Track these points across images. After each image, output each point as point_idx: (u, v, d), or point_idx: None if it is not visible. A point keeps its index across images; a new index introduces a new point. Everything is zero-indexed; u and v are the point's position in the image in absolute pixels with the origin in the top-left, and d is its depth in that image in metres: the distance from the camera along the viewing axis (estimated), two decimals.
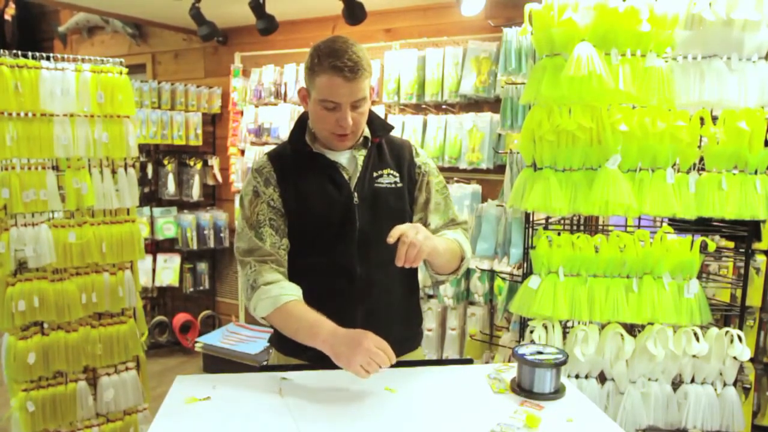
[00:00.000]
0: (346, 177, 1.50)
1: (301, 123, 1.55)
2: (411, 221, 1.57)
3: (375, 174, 1.51)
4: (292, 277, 1.53)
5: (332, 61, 1.34)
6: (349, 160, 1.52)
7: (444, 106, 3.35)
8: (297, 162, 1.51)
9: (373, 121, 1.56)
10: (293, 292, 1.41)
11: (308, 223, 1.48)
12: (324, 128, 1.45)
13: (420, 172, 1.59)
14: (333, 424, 1.17)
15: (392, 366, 1.47)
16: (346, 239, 1.47)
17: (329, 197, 1.47)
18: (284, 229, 1.48)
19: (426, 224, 1.57)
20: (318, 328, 1.32)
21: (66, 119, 2.38)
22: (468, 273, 3.13)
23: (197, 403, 1.24)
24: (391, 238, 1.29)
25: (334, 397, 1.28)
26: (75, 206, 2.42)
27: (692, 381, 1.85)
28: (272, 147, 1.62)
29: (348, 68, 1.34)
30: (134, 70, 3.98)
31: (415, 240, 1.29)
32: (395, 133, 1.67)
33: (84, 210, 2.47)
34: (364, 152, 1.53)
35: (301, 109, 3.89)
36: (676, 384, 1.87)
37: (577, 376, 1.87)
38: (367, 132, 1.55)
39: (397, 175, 1.54)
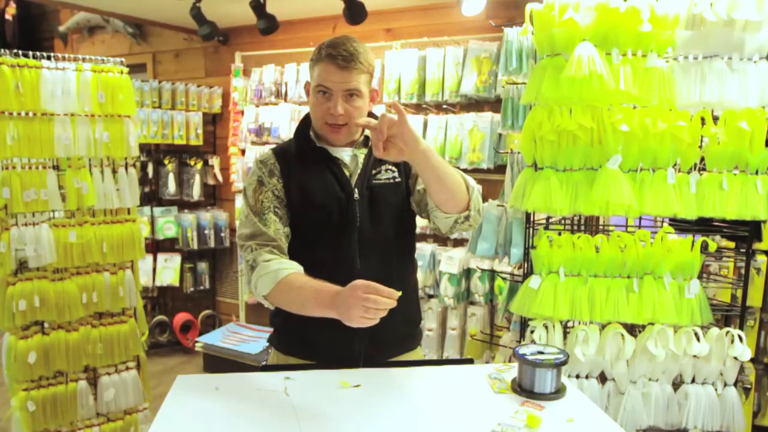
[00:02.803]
0: (347, 173, 1.52)
1: (306, 120, 1.58)
2: (411, 216, 1.60)
3: (374, 171, 1.54)
4: None
5: (329, 50, 1.42)
6: (351, 158, 1.55)
7: (444, 106, 3.34)
8: (300, 156, 1.54)
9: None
10: (293, 266, 1.39)
11: (310, 216, 1.50)
12: (318, 117, 1.48)
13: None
14: (335, 423, 1.17)
15: (392, 366, 1.48)
16: (346, 234, 1.48)
17: (330, 191, 1.49)
18: (287, 218, 1.50)
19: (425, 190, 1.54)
20: (322, 297, 1.28)
21: (67, 119, 2.38)
22: (468, 273, 3.13)
23: (199, 403, 1.24)
24: (359, 123, 1.32)
25: (337, 397, 1.28)
26: (75, 206, 2.42)
27: (693, 381, 1.85)
28: (272, 146, 1.64)
29: (342, 57, 1.40)
30: (135, 69, 3.97)
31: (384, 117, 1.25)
32: None
33: (84, 209, 2.47)
34: (364, 151, 1.56)
35: (302, 109, 3.92)
36: (677, 384, 1.87)
37: (577, 376, 1.87)
38: (367, 131, 1.56)
39: (395, 170, 1.56)
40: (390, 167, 1.55)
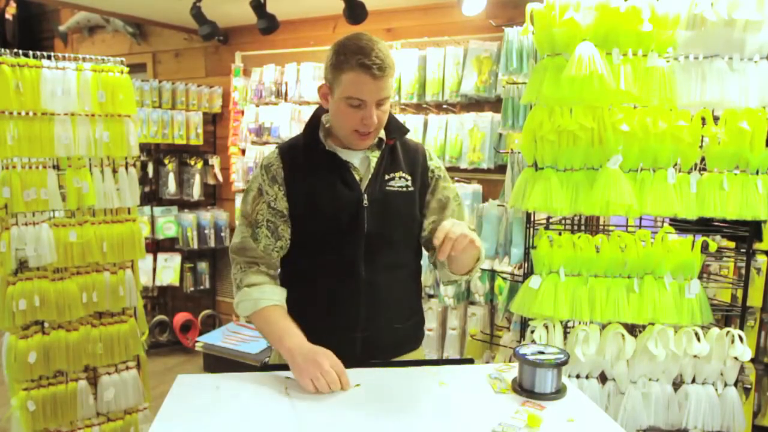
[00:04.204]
0: (357, 178, 1.48)
1: (315, 119, 1.53)
2: (420, 225, 1.56)
3: (387, 177, 1.49)
4: (297, 276, 1.53)
5: (360, 58, 1.33)
6: (362, 161, 1.50)
7: (445, 106, 3.34)
8: (308, 158, 1.49)
9: (390, 122, 1.52)
10: (273, 297, 1.45)
11: (315, 222, 1.47)
12: (347, 126, 1.42)
13: (433, 176, 1.57)
14: (335, 423, 1.17)
15: (393, 366, 1.48)
16: (352, 240, 1.46)
17: (338, 197, 1.45)
18: (282, 230, 1.48)
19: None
20: (286, 337, 1.37)
21: (67, 118, 2.37)
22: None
23: (198, 403, 1.24)
24: (437, 240, 1.26)
25: (337, 397, 1.28)
26: (76, 205, 2.42)
27: (693, 381, 1.85)
28: (279, 144, 1.60)
29: (376, 66, 1.33)
30: (135, 69, 3.97)
31: (462, 233, 1.27)
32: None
33: (85, 209, 2.47)
34: (377, 154, 1.51)
35: (303, 109, 3.90)
36: (677, 384, 1.87)
37: (578, 376, 1.87)
38: (381, 133, 1.52)
39: (410, 178, 1.52)
40: (404, 175, 1.51)
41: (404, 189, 1.50)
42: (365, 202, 1.45)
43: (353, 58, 1.33)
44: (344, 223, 1.45)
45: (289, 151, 1.52)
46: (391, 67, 1.38)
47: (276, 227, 1.48)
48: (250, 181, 1.52)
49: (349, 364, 1.44)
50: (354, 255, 1.46)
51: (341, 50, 1.37)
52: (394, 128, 1.54)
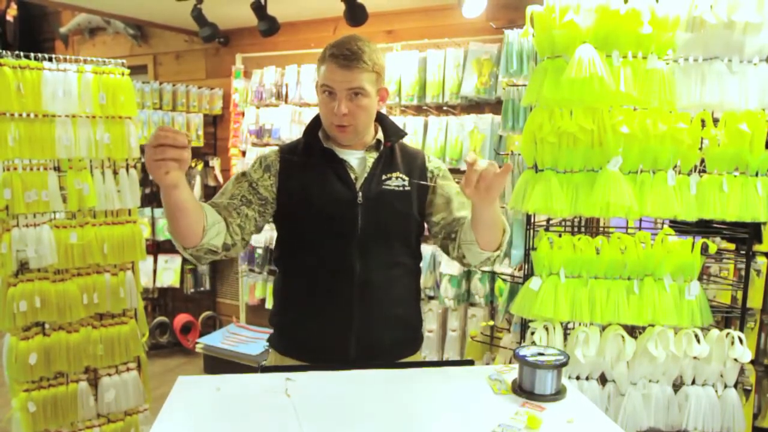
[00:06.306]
0: (353, 176, 1.51)
1: (317, 119, 1.58)
2: (417, 225, 1.58)
3: (384, 177, 1.52)
4: (293, 274, 1.55)
5: (333, 50, 1.42)
6: (360, 161, 1.54)
7: (445, 108, 3.35)
8: (306, 155, 1.54)
9: (388, 126, 1.59)
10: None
11: (309, 217, 1.49)
12: (325, 117, 1.49)
13: (432, 176, 1.60)
14: (336, 424, 1.17)
15: (392, 367, 1.48)
16: (346, 238, 1.48)
17: (332, 193, 1.48)
18: (254, 207, 1.50)
19: (455, 220, 1.55)
20: None
21: (68, 120, 2.38)
22: (469, 274, 3.13)
23: (199, 404, 1.24)
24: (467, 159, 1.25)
25: (338, 398, 1.28)
26: (76, 207, 2.43)
27: (693, 383, 1.85)
28: (272, 148, 1.64)
29: (344, 56, 1.40)
30: (136, 71, 3.96)
31: (490, 162, 1.24)
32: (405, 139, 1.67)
33: (85, 211, 2.47)
34: (375, 155, 1.55)
35: (303, 111, 3.92)
36: (677, 386, 1.87)
37: (578, 378, 1.87)
38: (380, 135, 1.57)
39: (406, 179, 1.54)
40: (401, 175, 1.54)
41: (400, 188, 1.53)
42: (359, 199, 1.48)
43: (329, 51, 1.43)
44: (338, 220, 1.48)
45: (288, 150, 1.57)
46: (367, 62, 1.41)
47: (249, 203, 1.50)
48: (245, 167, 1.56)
49: (343, 365, 1.45)
50: (348, 252, 1.47)
51: (326, 47, 1.46)
52: (392, 132, 1.58)
